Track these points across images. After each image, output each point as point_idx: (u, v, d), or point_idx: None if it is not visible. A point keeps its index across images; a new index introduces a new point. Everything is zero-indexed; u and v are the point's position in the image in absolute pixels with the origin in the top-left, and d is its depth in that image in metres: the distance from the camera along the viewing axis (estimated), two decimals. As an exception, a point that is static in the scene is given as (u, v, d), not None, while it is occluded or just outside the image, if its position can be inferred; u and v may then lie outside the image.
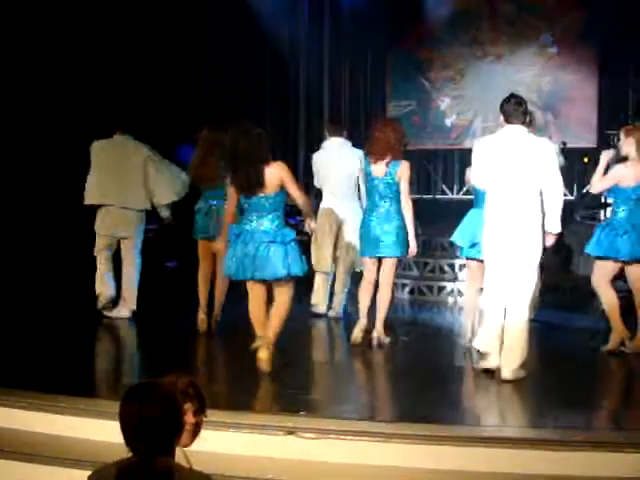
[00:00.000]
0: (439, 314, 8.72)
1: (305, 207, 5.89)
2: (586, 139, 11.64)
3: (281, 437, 4.51)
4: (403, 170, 6.53)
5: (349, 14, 11.94)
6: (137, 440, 2.52)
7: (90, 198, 7.60)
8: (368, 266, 6.81)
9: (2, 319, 7.07)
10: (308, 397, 5.41)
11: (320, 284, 7.86)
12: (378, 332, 6.66)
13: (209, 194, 7.27)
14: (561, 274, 8.88)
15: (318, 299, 7.87)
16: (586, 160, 10.69)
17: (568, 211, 7.51)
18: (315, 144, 8.62)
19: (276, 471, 4.34)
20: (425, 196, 11.88)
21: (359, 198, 7.49)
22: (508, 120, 5.61)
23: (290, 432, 4.51)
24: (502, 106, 5.66)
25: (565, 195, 6.89)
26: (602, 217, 8.70)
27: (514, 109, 5.59)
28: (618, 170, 6.44)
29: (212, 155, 7.09)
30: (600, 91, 11.80)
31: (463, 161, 11.38)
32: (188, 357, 6.42)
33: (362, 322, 6.77)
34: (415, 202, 6.73)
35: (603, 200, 8.48)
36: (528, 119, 5.82)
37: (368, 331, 6.72)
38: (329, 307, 7.88)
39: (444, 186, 12.55)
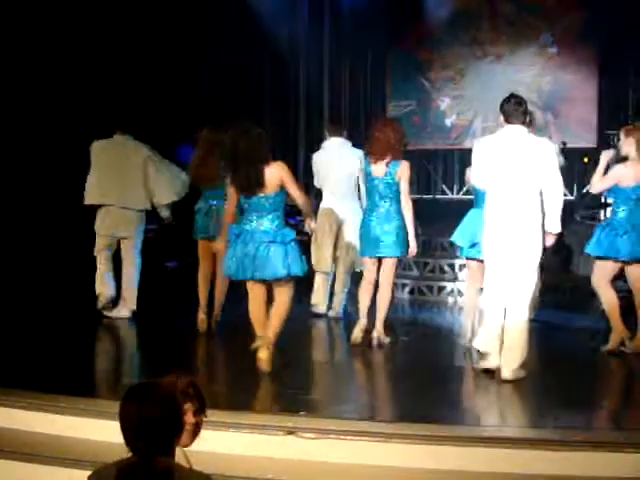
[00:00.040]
0: (439, 314, 8.72)
1: (305, 207, 5.89)
2: (586, 139, 11.64)
3: (281, 437, 4.51)
4: (403, 170, 6.53)
5: (349, 14, 11.94)
6: (137, 440, 2.52)
7: (90, 198, 7.60)
8: (368, 266, 6.81)
9: (2, 319, 7.07)
10: (308, 397, 5.41)
11: (320, 284, 7.86)
12: (378, 332, 6.66)
13: (209, 194, 7.27)
14: (561, 274, 8.87)
15: (318, 299, 7.87)
16: (586, 160, 10.69)
17: (568, 211, 7.51)
18: (315, 144, 8.63)
19: (276, 471, 4.34)
20: (425, 196, 11.88)
21: (359, 198, 7.49)
22: (508, 120, 5.61)
23: (290, 432, 4.51)
24: (502, 106, 5.66)
25: (565, 195, 6.89)
26: (602, 217, 8.70)
27: (514, 109, 5.59)
28: (618, 170, 6.44)
29: (212, 155, 7.09)
30: (600, 91, 11.80)
31: (463, 161, 11.37)
32: (188, 357, 6.42)
33: (362, 322, 6.77)
34: (415, 202, 6.73)
35: (603, 200, 8.48)
36: (528, 119, 5.82)
37: (368, 331, 6.72)
38: (329, 307, 7.88)
39: (444, 186, 12.54)
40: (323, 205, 7.79)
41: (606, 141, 9.68)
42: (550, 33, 12.02)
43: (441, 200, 12.21)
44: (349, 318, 7.75)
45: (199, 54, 11.12)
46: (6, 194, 8.70)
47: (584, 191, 10.31)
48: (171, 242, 9.50)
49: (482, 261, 6.03)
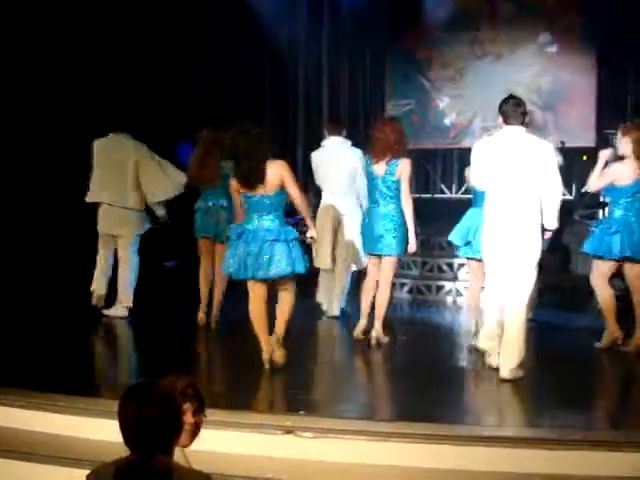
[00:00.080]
0: (438, 313, 8.73)
1: (303, 209, 5.85)
2: (585, 139, 11.61)
3: (280, 436, 4.51)
4: (403, 168, 6.54)
5: (348, 13, 11.91)
6: (136, 439, 2.52)
7: (89, 196, 7.63)
8: (370, 264, 6.83)
9: (1, 318, 7.06)
10: (307, 396, 5.41)
11: (323, 282, 7.88)
12: (377, 331, 6.66)
13: (208, 193, 7.27)
14: (560, 274, 8.88)
15: (321, 298, 7.89)
16: (585, 158, 10.68)
17: (567, 210, 7.51)
18: (314, 143, 8.62)
19: (275, 470, 4.34)
20: (424, 195, 11.86)
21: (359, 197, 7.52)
22: (507, 121, 5.61)
23: (289, 431, 4.51)
24: (501, 107, 5.66)
25: (564, 194, 6.91)
26: (601, 216, 8.71)
27: (513, 110, 5.59)
28: (614, 169, 6.47)
29: (212, 155, 7.11)
30: (599, 90, 11.78)
31: (462, 160, 11.35)
32: (187, 356, 6.41)
33: (362, 322, 6.78)
34: (414, 201, 6.72)
35: (602, 199, 8.49)
36: (527, 120, 5.82)
37: (367, 331, 6.73)
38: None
39: (443, 185, 12.53)
40: (322, 203, 7.80)
41: (605, 141, 9.67)
42: (550, 33, 12.01)
43: (440, 199, 12.20)
44: (347, 317, 7.77)
45: (199, 54, 11.10)
46: (7, 193, 8.69)
47: (583, 190, 10.31)
48: (170, 241, 9.50)
49: (480, 260, 6.04)
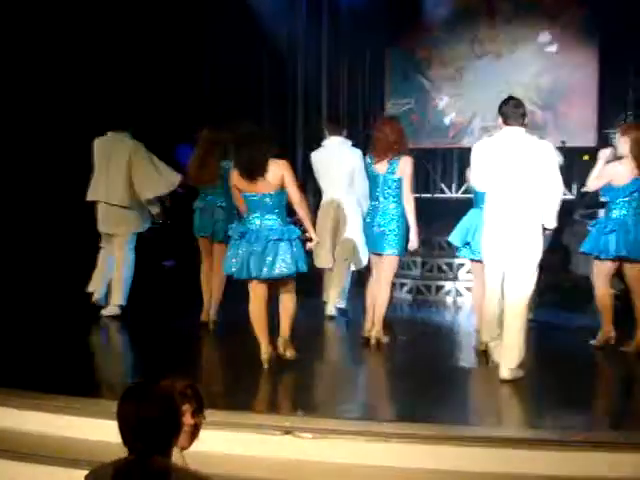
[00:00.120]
0: (438, 313, 8.74)
1: (302, 212, 5.83)
2: (585, 138, 11.61)
3: (279, 437, 4.50)
4: (404, 166, 6.54)
5: (348, 12, 11.91)
6: (135, 440, 2.52)
7: (89, 195, 7.67)
8: (372, 263, 6.84)
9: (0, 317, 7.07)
10: (306, 397, 5.41)
11: (328, 281, 7.88)
12: (376, 331, 6.65)
13: (208, 193, 7.27)
14: (560, 273, 8.88)
15: (327, 297, 7.89)
16: (586, 158, 10.66)
17: (567, 210, 7.51)
18: (313, 142, 8.63)
19: (274, 471, 4.34)
20: (424, 195, 11.84)
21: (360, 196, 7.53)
22: (507, 122, 5.59)
23: (287, 432, 4.50)
24: (500, 108, 5.64)
25: (565, 194, 6.90)
26: (601, 216, 8.71)
27: (513, 111, 5.58)
28: (612, 168, 6.48)
29: (212, 155, 7.11)
30: (600, 90, 11.77)
31: (462, 160, 11.35)
32: (186, 357, 6.39)
33: (369, 320, 6.77)
34: (414, 201, 6.72)
35: (603, 199, 8.49)
36: (526, 121, 5.80)
37: (368, 330, 6.72)
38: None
39: (443, 185, 12.51)
40: (323, 203, 7.81)
41: (605, 140, 9.67)
42: (549, 32, 11.99)
43: (440, 199, 12.19)
44: (348, 317, 7.77)
45: (198, 54, 11.10)
46: (7, 192, 8.68)
47: (583, 190, 10.30)
48: (169, 241, 9.50)
49: (480, 261, 6.04)
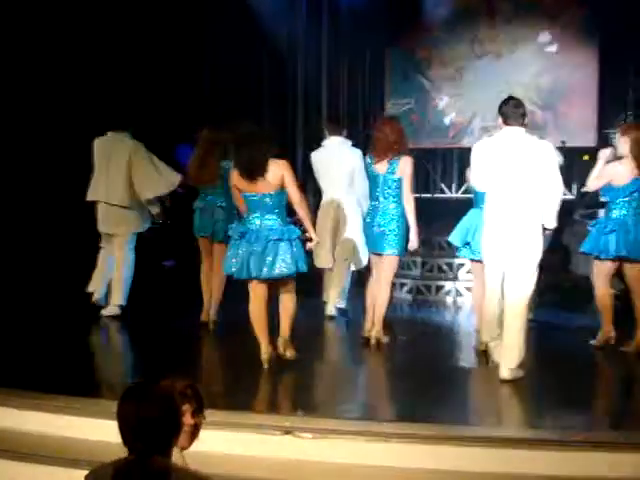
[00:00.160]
0: (438, 313, 8.74)
1: (302, 212, 5.83)
2: (585, 138, 11.61)
3: (279, 437, 4.50)
4: (404, 166, 6.54)
5: (348, 12, 11.91)
6: (135, 440, 2.52)
7: (89, 195, 7.68)
8: (373, 263, 6.84)
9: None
10: (306, 397, 5.41)
11: (326, 281, 7.89)
12: (376, 331, 6.66)
13: (208, 193, 7.28)
14: (560, 273, 8.88)
15: (327, 297, 7.89)
16: (586, 158, 10.66)
17: (567, 210, 7.52)
18: (313, 142, 8.63)
19: (273, 471, 4.34)
20: (424, 195, 11.84)
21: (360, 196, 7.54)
22: (507, 122, 5.59)
23: (287, 432, 4.50)
24: (500, 108, 5.64)
25: (565, 194, 6.91)
26: (601, 216, 8.72)
27: (513, 111, 5.58)
28: (612, 168, 6.49)
29: (212, 155, 7.12)
30: (600, 90, 11.76)
31: (462, 160, 11.35)
32: (186, 357, 6.39)
33: (367, 323, 6.78)
34: (414, 201, 6.72)
35: (603, 199, 8.50)
36: (526, 121, 5.79)
37: (368, 330, 6.73)
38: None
39: (443, 185, 12.51)
40: (323, 203, 7.82)
41: (605, 140, 9.67)
42: (549, 31, 11.99)
43: (440, 199, 12.18)
44: (348, 317, 7.77)
45: (198, 53, 11.10)
46: (7, 192, 8.68)
47: (583, 190, 10.31)
48: (169, 241, 9.50)
49: (481, 261, 6.04)
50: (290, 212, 5.94)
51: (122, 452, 2.55)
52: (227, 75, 10.99)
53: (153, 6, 9.92)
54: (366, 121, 11.98)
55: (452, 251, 8.61)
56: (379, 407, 5.50)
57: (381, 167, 6.60)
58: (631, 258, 6.42)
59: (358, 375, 6.42)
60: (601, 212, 7.35)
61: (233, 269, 5.76)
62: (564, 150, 8.61)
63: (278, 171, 5.65)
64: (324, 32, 12.11)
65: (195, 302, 7.39)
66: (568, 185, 10.74)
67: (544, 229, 5.63)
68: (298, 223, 6.17)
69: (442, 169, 12.60)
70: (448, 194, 12.44)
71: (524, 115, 5.63)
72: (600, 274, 6.59)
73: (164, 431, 2.56)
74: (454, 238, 6.82)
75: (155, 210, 7.78)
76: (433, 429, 4.55)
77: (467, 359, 6.65)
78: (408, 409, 5.14)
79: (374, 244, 6.71)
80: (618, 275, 6.75)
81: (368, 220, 6.73)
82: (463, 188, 11.83)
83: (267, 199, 5.67)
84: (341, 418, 4.80)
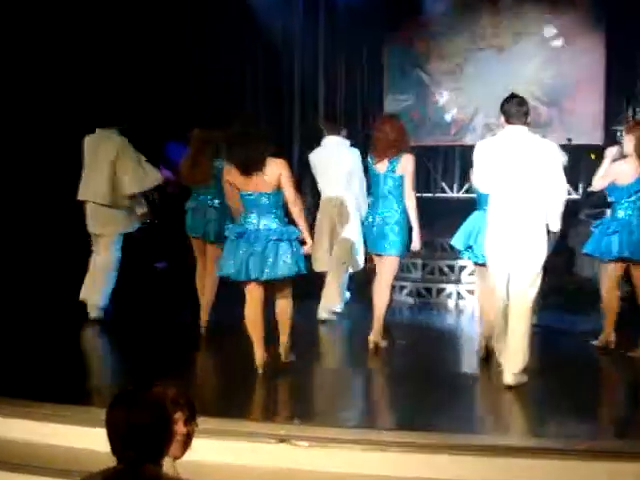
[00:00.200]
0: (438, 317, 8.73)
1: (297, 214, 5.81)
2: (592, 136, 11.58)
3: (274, 445, 4.52)
4: (406, 164, 6.56)
5: (344, 6, 11.91)
6: (124, 448, 2.52)
7: (79, 194, 7.69)
8: (376, 264, 6.86)
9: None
10: (302, 403, 5.43)
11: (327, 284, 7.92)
12: (375, 335, 6.67)
13: (200, 192, 7.30)
14: (565, 276, 8.90)
15: (325, 300, 7.90)
16: (593, 157, 10.66)
17: (573, 211, 7.54)
18: (310, 140, 8.66)
19: (268, 480, 4.36)
20: (424, 194, 11.83)
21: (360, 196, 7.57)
22: (509, 120, 5.59)
23: (282, 440, 4.52)
24: (503, 106, 5.63)
25: (570, 194, 6.93)
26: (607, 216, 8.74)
27: (516, 110, 5.58)
28: (617, 167, 6.52)
29: (204, 154, 7.14)
30: (607, 85, 11.73)
31: (464, 158, 11.36)
32: (178, 361, 6.38)
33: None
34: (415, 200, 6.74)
35: (609, 199, 8.52)
36: (529, 119, 5.79)
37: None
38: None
39: (444, 184, 12.50)
40: (321, 204, 7.84)
41: (613, 138, 9.66)
42: (554, 24, 11.95)
43: (441, 199, 12.16)
44: (345, 320, 7.78)
45: (191, 49, 11.10)
46: (2, 194, 8.69)
47: (589, 190, 10.32)
48: (160, 242, 9.51)
49: (483, 264, 6.06)
50: (288, 213, 5.96)
51: (111, 461, 2.55)
52: (221, 71, 10.99)
53: (145, 0, 9.94)
54: (365, 119, 11.96)
55: (454, 253, 8.61)
56: (377, 414, 5.52)
57: (382, 166, 6.62)
58: (634, 259, 6.44)
59: (355, 381, 6.43)
60: (608, 212, 7.38)
61: (232, 270, 5.75)
62: (570, 148, 8.62)
63: (276, 170, 5.67)
64: (321, 26, 12.11)
65: (187, 304, 7.41)
66: (574, 184, 10.76)
67: (549, 232, 5.65)
68: (293, 224, 6.19)
69: (443, 167, 12.58)
70: (450, 194, 12.42)
71: (527, 113, 5.62)
72: (606, 276, 6.63)
73: (155, 439, 2.56)
74: (456, 241, 6.79)
75: (140, 210, 7.81)
76: (432, 437, 4.56)
77: (469, 364, 6.67)
78: (407, 417, 5.16)
79: (374, 245, 6.73)
80: (625, 277, 6.78)
81: (370, 220, 6.75)
82: (465, 187, 11.84)
83: (264, 198, 5.69)
84: (338, 426, 4.82)
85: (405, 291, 9.29)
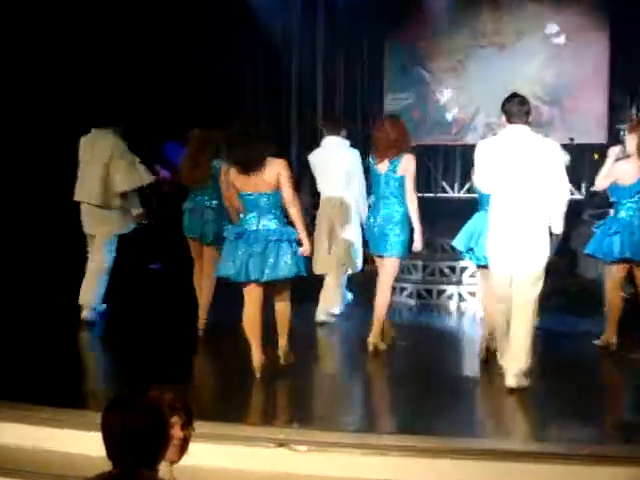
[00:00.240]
0: (439, 318, 8.73)
1: (295, 216, 5.81)
2: (596, 135, 11.58)
3: (273, 449, 4.52)
4: (407, 164, 6.57)
5: (344, 3, 11.92)
6: (120, 452, 2.52)
7: (75, 195, 7.71)
8: (377, 265, 6.87)
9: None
10: (301, 407, 5.43)
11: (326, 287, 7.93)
12: (374, 337, 6.67)
13: (197, 193, 7.31)
14: (567, 277, 8.91)
15: (324, 302, 7.91)
16: (596, 157, 10.67)
17: (576, 211, 7.54)
18: (307, 139, 8.67)
19: (267, 485, 4.36)
20: (425, 194, 11.82)
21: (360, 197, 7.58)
22: (510, 120, 5.59)
23: (281, 444, 4.52)
24: (504, 106, 5.64)
25: (573, 194, 6.94)
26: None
27: (517, 109, 5.58)
28: (619, 166, 6.53)
29: (203, 154, 7.14)
30: (611, 83, 11.72)
31: (465, 158, 11.37)
32: (174, 364, 6.37)
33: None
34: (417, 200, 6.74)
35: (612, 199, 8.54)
36: (530, 119, 5.80)
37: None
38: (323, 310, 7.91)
39: (445, 184, 12.50)
40: (320, 204, 7.86)
41: (617, 137, 9.66)
42: (556, 21, 11.94)
43: (442, 199, 12.15)
44: (344, 322, 7.78)
45: (191, 48, 11.11)
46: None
47: (592, 190, 10.32)
48: (155, 243, 9.52)
49: (484, 266, 6.06)
50: (287, 214, 5.97)
51: (106, 466, 2.55)
52: (221, 71, 11.01)
53: (145, 0, 9.96)
54: (365, 118, 11.96)
55: (455, 254, 8.61)
56: (377, 418, 5.52)
57: (383, 166, 6.63)
58: (636, 260, 6.45)
59: (355, 384, 6.44)
60: (611, 212, 7.40)
61: (231, 271, 5.75)
62: (572, 148, 8.62)
63: (275, 169, 5.68)
64: (320, 24, 12.12)
65: (183, 306, 7.40)
66: (577, 184, 10.76)
67: (551, 234, 5.65)
68: (291, 225, 6.19)
69: (444, 167, 12.57)
70: (450, 193, 12.42)
71: (528, 113, 5.63)
72: (610, 277, 6.64)
73: (152, 443, 2.56)
74: (458, 243, 6.79)
75: (136, 211, 7.83)
76: (433, 441, 4.57)
77: (470, 367, 6.67)
78: (407, 420, 5.16)
79: (375, 246, 6.73)
80: (628, 278, 6.79)
81: (371, 221, 6.75)
82: (466, 187, 11.84)
83: (264, 199, 5.69)
84: (338, 430, 4.82)
85: (406, 292, 9.28)
